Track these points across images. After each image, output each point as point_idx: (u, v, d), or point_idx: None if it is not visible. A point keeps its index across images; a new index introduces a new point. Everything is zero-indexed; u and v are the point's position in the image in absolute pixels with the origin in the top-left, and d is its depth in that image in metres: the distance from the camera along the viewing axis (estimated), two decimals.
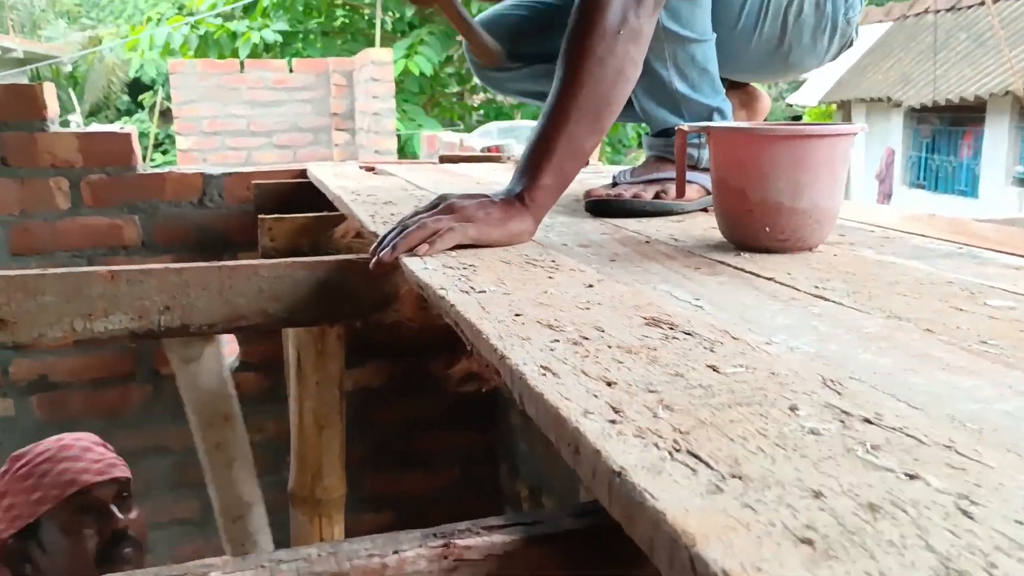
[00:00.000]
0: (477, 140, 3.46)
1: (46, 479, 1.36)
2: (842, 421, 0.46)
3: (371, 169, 2.13)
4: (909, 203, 10.47)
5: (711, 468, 0.41)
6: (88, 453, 1.40)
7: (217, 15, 9.78)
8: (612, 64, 1.03)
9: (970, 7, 10.79)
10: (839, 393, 0.51)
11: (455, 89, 11.09)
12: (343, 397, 1.65)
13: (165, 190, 2.09)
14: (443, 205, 1.01)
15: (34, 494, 1.35)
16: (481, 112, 11.70)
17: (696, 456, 0.42)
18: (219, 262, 1.07)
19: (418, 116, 9.66)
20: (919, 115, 11.30)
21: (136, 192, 2.07)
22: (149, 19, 11.23)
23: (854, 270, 0.89)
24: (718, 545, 0.33)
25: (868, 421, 0.46)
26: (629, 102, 1.34)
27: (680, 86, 1.33)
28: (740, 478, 0.39)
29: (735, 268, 0.90)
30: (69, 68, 16.27)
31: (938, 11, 10.56)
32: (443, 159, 2.50)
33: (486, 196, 1.03)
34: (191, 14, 9.97)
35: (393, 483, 2.54)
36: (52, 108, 2.02)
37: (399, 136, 7.32)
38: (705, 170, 1.30)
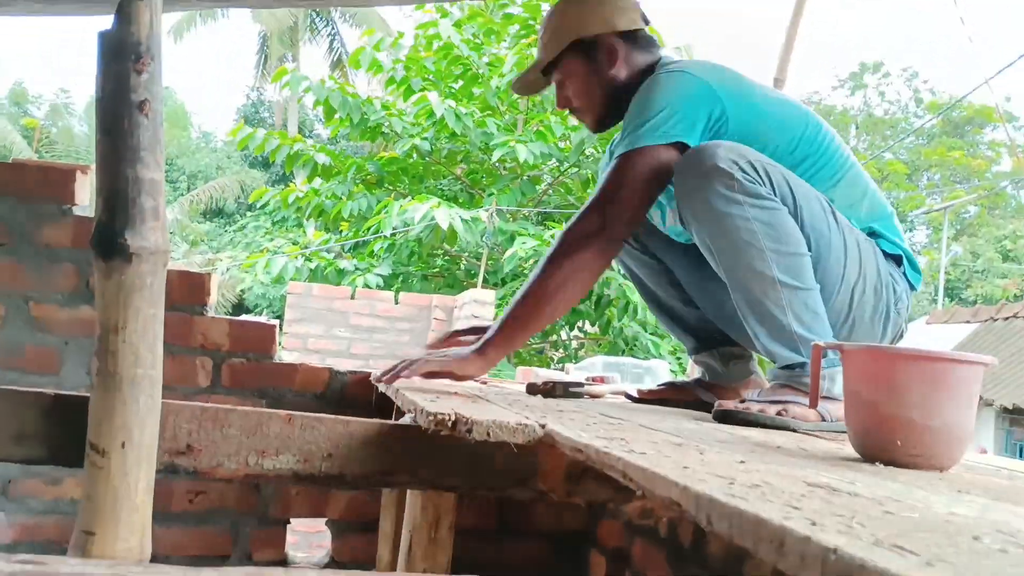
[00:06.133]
0: (577, 373, 3.58)
1: None
2: None
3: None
4: None
5: (916, 555, 0.47)
6: None
7: (328, 250, 10.64)
8: (560, 274, 1.50)
9: None
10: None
11: (537, 343, 11.48)
12: None
13: (295, 380, 2.25)
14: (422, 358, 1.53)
15: None
16: (560, 364, 11.99)
17: (901, 548, 0.48)
18: (381, 420, 1.18)
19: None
20: (1011, 416, 11.04)
21: (269, 379, 2.23)
22: (266, 250, 12.25)
23: (993, 488, 0.92)
24: None
25: None
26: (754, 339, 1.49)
27: (798, 328, 1.48)
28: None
29: (871, 473, 0.95)
30: None
31: None
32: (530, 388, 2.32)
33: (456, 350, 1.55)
34: (306, 247, 10.88)
35: None
36: (213, 296, 2.26)
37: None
38: (826, 398, 1.39)
